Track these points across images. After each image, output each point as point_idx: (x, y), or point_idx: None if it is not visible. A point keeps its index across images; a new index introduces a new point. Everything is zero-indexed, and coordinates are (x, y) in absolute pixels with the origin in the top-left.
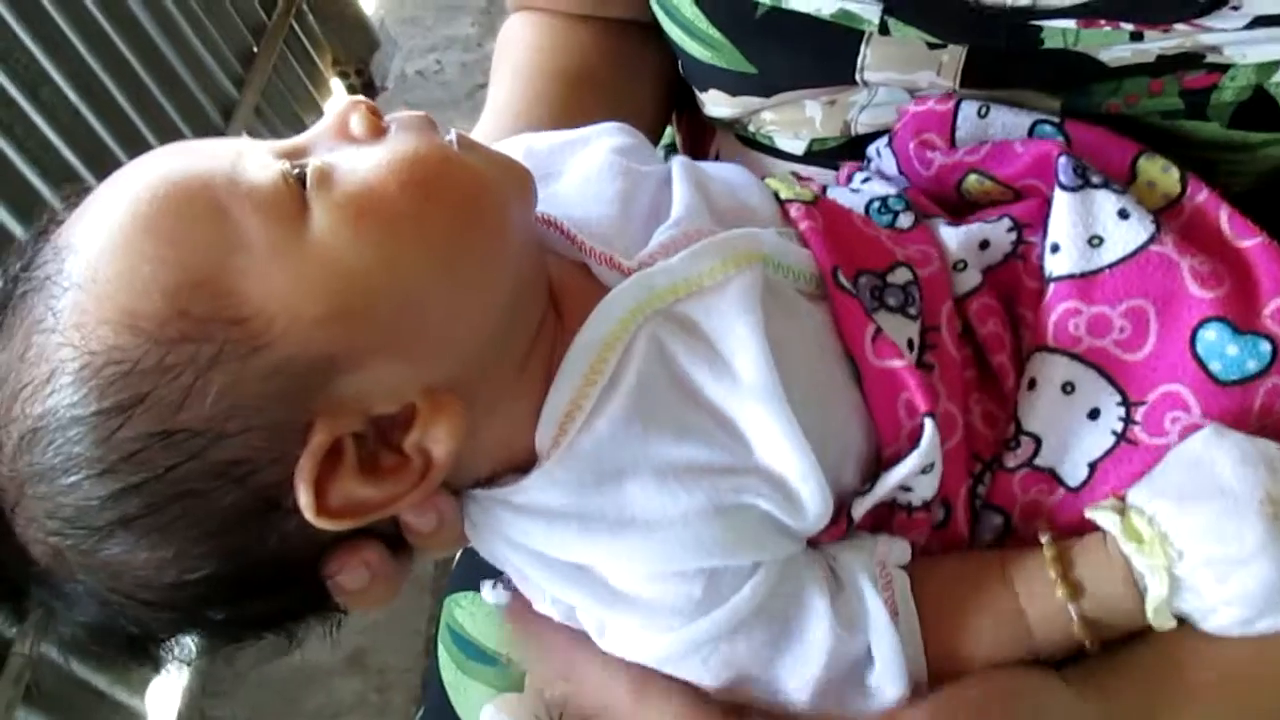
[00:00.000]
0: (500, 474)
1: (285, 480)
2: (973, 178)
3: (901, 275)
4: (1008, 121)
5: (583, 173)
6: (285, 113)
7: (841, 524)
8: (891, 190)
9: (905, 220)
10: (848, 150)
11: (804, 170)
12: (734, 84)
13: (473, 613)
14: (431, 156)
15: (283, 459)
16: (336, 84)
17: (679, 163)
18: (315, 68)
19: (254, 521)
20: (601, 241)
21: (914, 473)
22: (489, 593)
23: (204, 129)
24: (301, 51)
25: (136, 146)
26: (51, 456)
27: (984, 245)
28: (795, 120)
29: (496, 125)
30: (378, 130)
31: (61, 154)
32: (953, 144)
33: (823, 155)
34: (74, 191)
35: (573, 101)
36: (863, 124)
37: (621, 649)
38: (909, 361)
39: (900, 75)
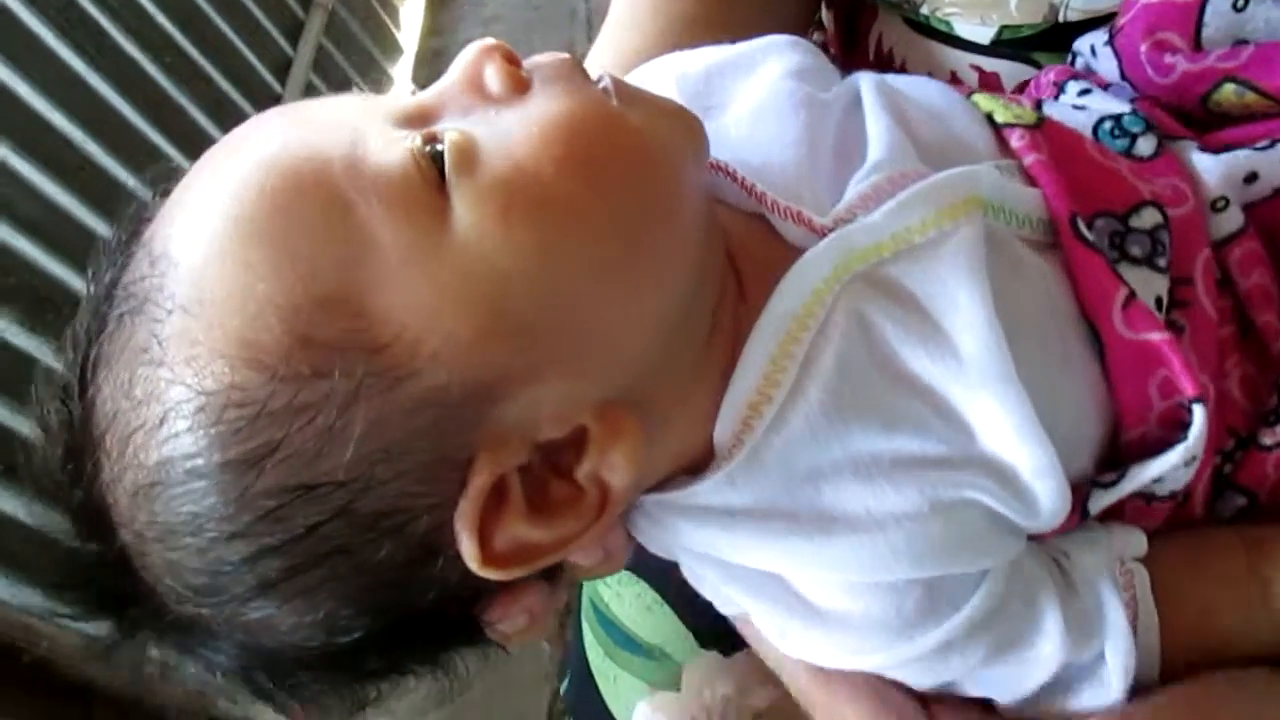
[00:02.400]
0: (672, 475)
1: (444, 525)
2: (1229, 87)
3: (1148, 217)
4: (1273, 17)
5: (754, 105)
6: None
7: (1073, 518)
8: (1124, 106)
9: (1146, 146)
10: (1045, 40)
11: (987, 64)
12: None
13: (619, 593)
14: (590, 121)
15: (441, 504)
16: None
17: (869, 84)
18: None
19: (411, 575)
20: (786, 193)
21: (1175, 467)
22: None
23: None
24: None
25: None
26: (174, 514)
27: (1250, 178)
28: (983, 1)
29: (631, 19)
30: (520, 85)
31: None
32: (1197, 45)
33: (1013, 46)
34: (163, 174)
35: None
36: (1074, 9)
37: (807, 655)
38: (1170, 335)
39: None
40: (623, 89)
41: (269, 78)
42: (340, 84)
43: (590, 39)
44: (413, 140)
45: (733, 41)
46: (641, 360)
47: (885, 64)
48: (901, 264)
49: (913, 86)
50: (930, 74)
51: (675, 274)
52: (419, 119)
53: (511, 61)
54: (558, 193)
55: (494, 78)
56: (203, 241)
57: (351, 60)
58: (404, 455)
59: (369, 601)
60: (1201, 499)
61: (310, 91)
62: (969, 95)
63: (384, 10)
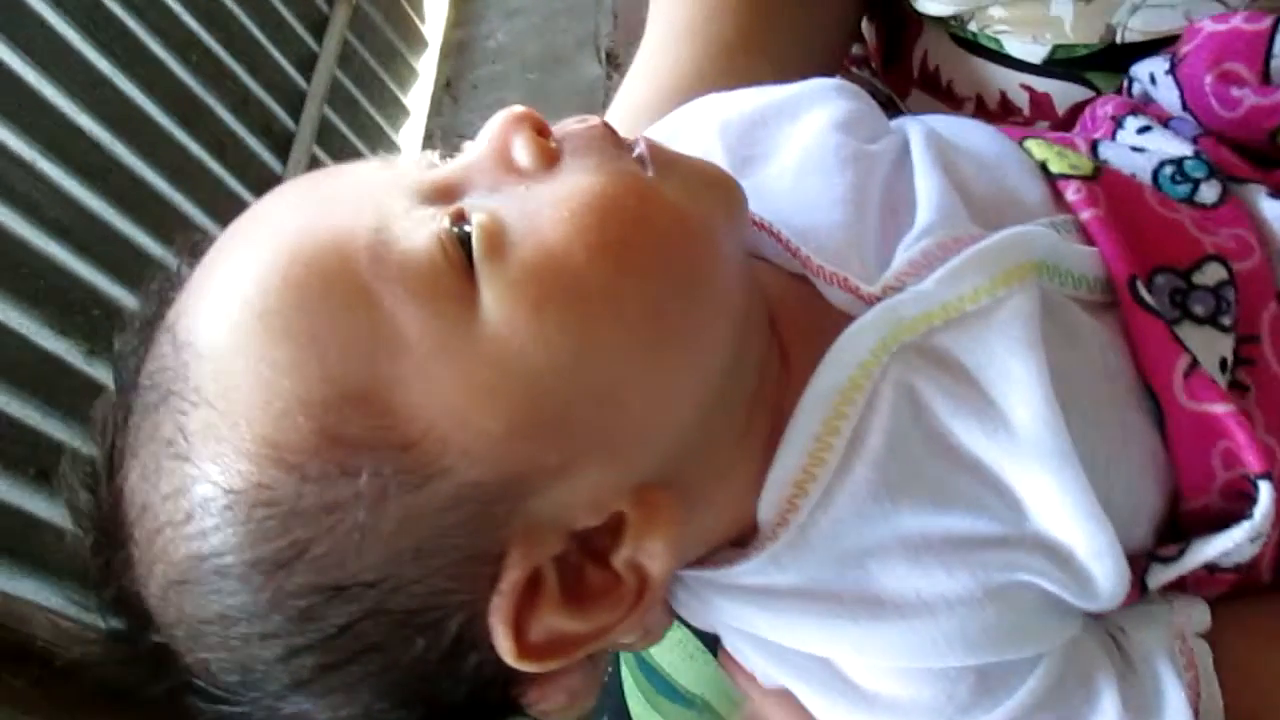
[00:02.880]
0: (713, 552)
1: (478, 619)
2: None
3: (1212, 273)
4: None
5: (798, 158)
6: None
7: (1132, 593)
8: (1186, 148)
9: (1209, 193)
10: (1101, 60)
11: (1039, 84)
12: None
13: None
14: (624, 201)
15: (474, 599)
16: None
17: (919, 135)
18: None
19: (445, 669)
20: (832, 258)
21: (1240, 545)
22: None
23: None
24: None
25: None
26: (203, 612)
27: None
28: (1036, 19)
29: (671, 44)
30: (549, 158)
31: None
32: (1266, 77)
33: (1067, 65)
34: (186, 247)
35: (761, 5)
36: (1133, 30)
37: None
38: (1234, 407)
39: None
40: (659, 155)
41: (294, 73)
42: (365, 78)
43: (616, 28)
44: (439, 221)
45: (772, 65)
46: (679, 441)
47: (931, 81)
48: (952, 333)
49: (962, 134)
50: (979, 93)
51: (713, 353)
52: (445, 194)
53: (541, 131)
54: (592, 281)
55: (523, 151)
56: (226, 333)
57: (376, 54)
58: (435, 553)
59: (405, 694)
60: (1269, 564)
61: (335, 87)
62: (1021, 141)
63: (408, 3)
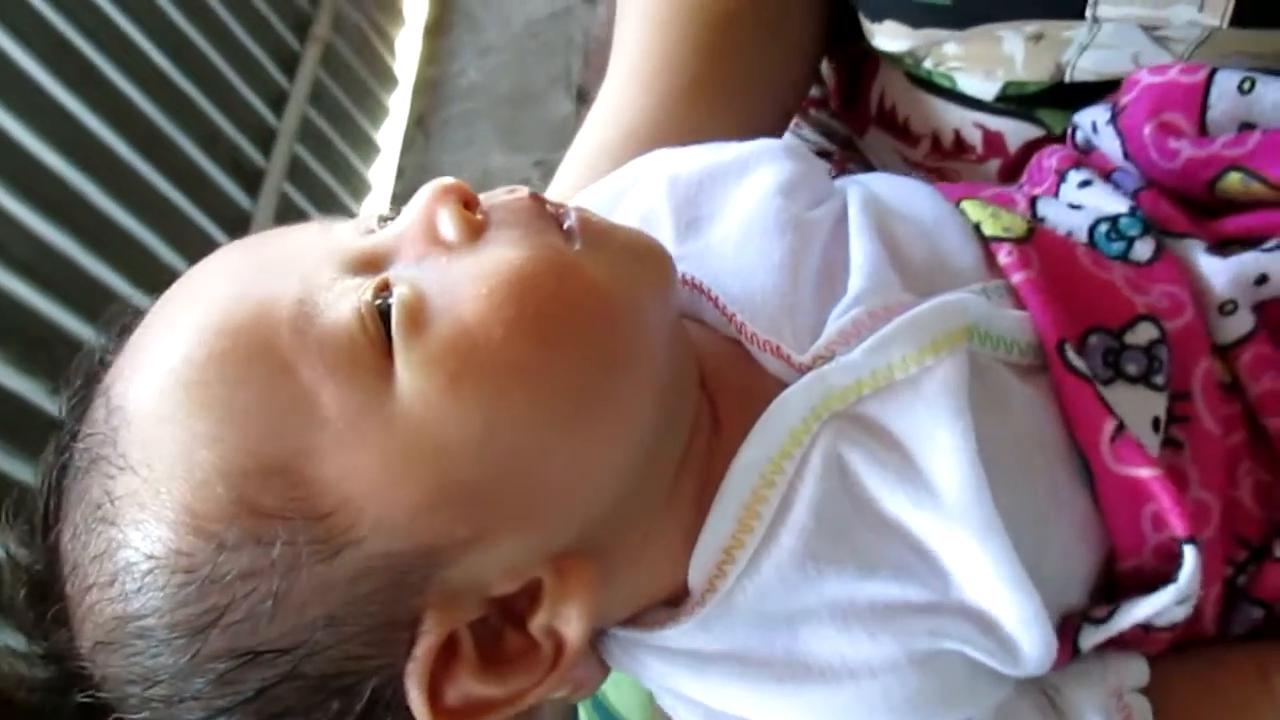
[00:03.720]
0: (642, 611)
1: (394, 681)
2: (1234, 176)
3: (1144, 333)
4: None
5: (740, 223)
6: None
7: (1065, 653)
8: (1122, 205)
9: (1143, 250)
10: (1051, 98)
11: (992, 122)
12: (919, 15)
13: (617, 680)
14: (541, 277)
15: (390, 664)
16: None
17: (856, 200)
18: None
19: None
20: (766, 326)
21: (1167, 607)
22: None
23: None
24: None
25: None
26: (128, 670)
27: (1260, 280)
28: (988, 56)
29: (632, 87)
30: (473, 230)
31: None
32: (1203, 128)
33: (1019, 103)
34: (123, 313)
35: (720, 48)
36: (1082, 70)
37: None
38: (1160, 471)
39: (1145, 10)
40: (588, 227)
41: (265, 110)
42: (336, 116)
43: (587, 68)
44: (362, 294)
45: (734, 105)
46: (600, 510)
47: (888, 119)
48: (881, 401)
49: (900, 198)
50: (934, 131)
51: (634, 425)
52: (372, 264)
53: (468, 204)
54: (508, 358)
55: (447, 224)
56: (153, 401)
57: (347, 91)
58: (349, 620)
59: None
60: (1212, 615)
61: (306, 125)
62: (959, 202)
63: (380, 41)
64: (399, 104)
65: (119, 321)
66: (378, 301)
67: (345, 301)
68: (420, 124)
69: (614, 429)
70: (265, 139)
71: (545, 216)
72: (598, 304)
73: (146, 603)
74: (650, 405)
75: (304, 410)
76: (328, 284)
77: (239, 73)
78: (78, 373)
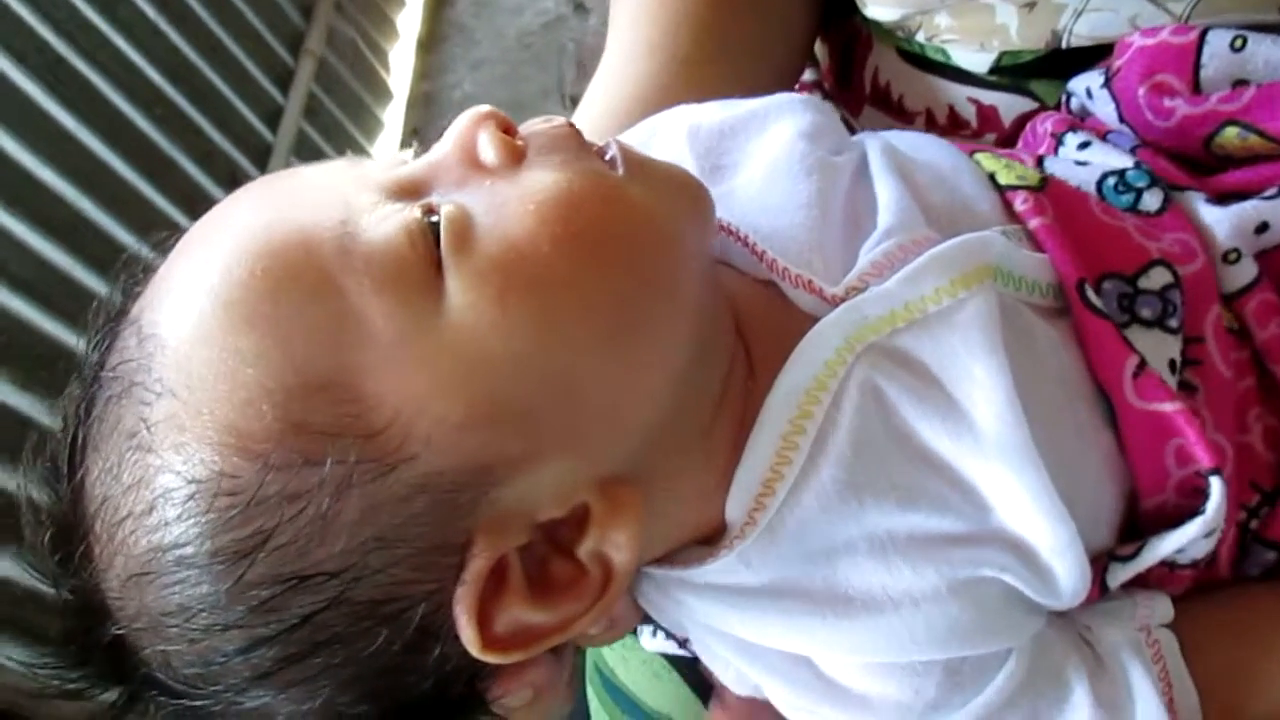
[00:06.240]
0: (681, 549)
1: (443, 610)
2: (1231, 130)
3: (1158, 277)
4: (1273, 57)
5: (765, 167)
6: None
7: (1094, 591)
8: (1126, 160)
9: (1152, 201)
10: (1045, 67)
11: (985, 97)
12: None
13: (625, 657)
14: (588, 196)
15: (438, 590)
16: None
17: (876, 147)
18: None
19: (409, 661)
20: (797, 261)
21: (1194, 540)
22: (649, 640)
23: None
24: None
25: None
26: (164, 604)
27: (1261, 229)
28: (981, 27)
29: (634, 56)
30: (515, 155)
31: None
32: (1196, 87)
33: (1013, 73)
34: (156, 242)
35: (717, 23)
36: (1079, 35)
37: None
38: (1183, 405)
39: None
40: (630, 157)
41: (260, 127)
42: (332, 131)
43: (581, 77)
44: (409, 211)
45: (730, 79)
46: (643, 436)
47: (882, 98)
48: (915, 334)
49: (917, 148)
50: (929, 108)
51: (675, 350)
52: (411, 191)
53: (506, 130)
54: (555, 273)
55: (488, 148)
56: (191, 324)
57: (343, 107)
58: (399, 542)
59: (368, 688)
60: (1227, 558)
61: (302, 140)
62: (971, 154)
63: (374, 56)
64: (393, 118)
65: (138, 265)
66: (425, 220)
67: (391, 221)
68: (415, 136)
69: (657, 351)
70: (261, 154)
71: (586, 145)
72: (643, 226)
73: (187, 529)
74: (687, 334)
75: (351, 327)
76: (369, 207)
77: (234, 89)
78: (98, 314)
